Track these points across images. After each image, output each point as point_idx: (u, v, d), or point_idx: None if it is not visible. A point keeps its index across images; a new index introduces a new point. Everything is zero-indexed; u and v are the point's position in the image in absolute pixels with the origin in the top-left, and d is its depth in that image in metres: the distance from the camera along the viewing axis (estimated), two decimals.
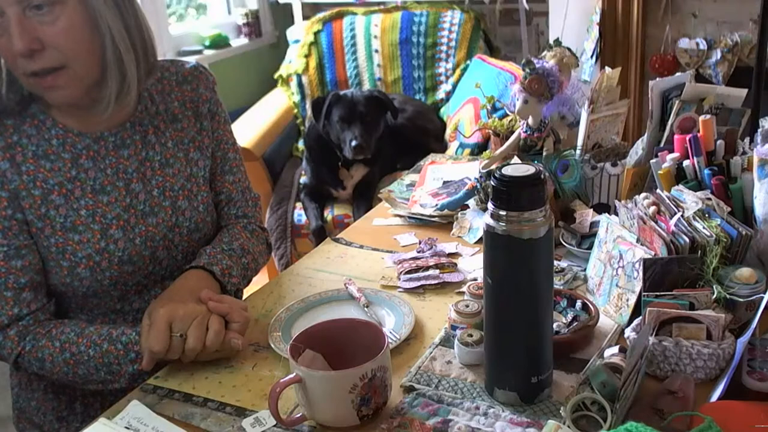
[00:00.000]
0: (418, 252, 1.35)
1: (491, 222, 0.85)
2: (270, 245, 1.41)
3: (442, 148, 2.97)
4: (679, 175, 1.21)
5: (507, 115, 1.56)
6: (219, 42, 3.42)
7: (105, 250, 1.15)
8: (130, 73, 1.11)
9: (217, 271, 1.18)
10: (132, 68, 1.11)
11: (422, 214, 1.53)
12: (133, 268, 1.18)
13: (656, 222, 1.08)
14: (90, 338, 1.09)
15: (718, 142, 1.20)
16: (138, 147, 1.21)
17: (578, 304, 1.08)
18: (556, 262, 1.22)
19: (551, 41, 1.43)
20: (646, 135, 1.36)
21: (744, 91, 1.36)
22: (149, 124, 1.23)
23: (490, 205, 0.86)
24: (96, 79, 1.10)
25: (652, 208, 1.10)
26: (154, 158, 1.22)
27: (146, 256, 1.20)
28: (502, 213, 0.84)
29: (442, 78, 3.30)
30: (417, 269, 1.27)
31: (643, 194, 1.15)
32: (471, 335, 1.01)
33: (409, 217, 1.55)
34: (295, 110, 3.40)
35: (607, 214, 1.20)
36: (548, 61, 1.39)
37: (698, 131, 1.23)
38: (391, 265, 1.34)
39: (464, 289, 1.14)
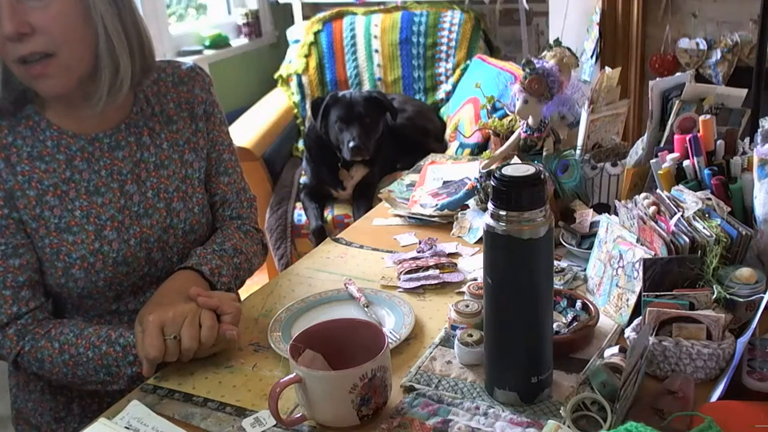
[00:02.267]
0: (418, 252, 1.35)
1: (491, 222, 0.85)
2: (265, 246, 1.41)
3: (442, 148, 2.97)
4: (679, 175, 1.21)
5: (507, 115, 1.56)
6: (219, 42, 3.42)
7: (99, 251, 1.15)
8: (123, 66, 1.11)
9: (206, 270, 1.17)
10: (125, 61, 1.11)
11: (422, 214, 1.53)
12: (128, 269, 1.18)
13: (656, 222, 1.08)
14: (89, 339, 1.09)
15: (718, 142, 1.20)
16: (133, 148, 1.21)
17: (578, 304, 1.08)
18: (556, 262, 1.22)
19: (551, 41, 1.42)
20: (646, 135, 1.36)
21: (744, 91, 1.36)
22: (144, 126, 1.23)
23: (490, 205, 0.86)
24: (88, 72, 1.10)
25: (652, 208, 1.10)
26: (149, 160, 1.22)
27: (141, 257, 1.20)
28: (502, 213, 0.84)
29: (442, 78, 3.30)
30: (417, 269, 1.27)
31: (643, 194, 1.14)
32: (471, 335, 1.01)
33: (409, 217, 1.55)
34: (295, 110, 3.40)
35: (607, 214, 1.20)
36: (548, 61, 1.38)
37: (698, 131, 1.23)
38: (391, 265, 1.34)
39: (464, 289, 1.14)
